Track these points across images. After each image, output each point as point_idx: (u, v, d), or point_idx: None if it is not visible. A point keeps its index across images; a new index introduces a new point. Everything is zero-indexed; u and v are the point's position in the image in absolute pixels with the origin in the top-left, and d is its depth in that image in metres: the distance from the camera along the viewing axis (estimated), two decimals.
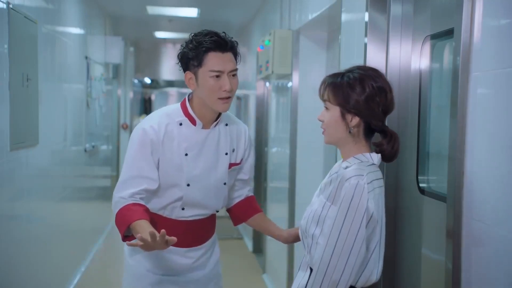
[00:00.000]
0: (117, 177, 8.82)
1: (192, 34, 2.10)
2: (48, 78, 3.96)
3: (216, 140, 2.19)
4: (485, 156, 1.59)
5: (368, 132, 1.77)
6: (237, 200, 2.38)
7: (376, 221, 1.69)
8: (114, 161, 8.50)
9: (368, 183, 1.66)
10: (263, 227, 2.36)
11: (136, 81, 10.46)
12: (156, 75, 10.29)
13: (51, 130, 4.07)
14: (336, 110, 1.75)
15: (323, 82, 1.81)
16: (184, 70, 2.12)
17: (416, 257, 2.25)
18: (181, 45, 2.13)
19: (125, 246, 2.22)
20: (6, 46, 2.95)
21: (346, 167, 1.73)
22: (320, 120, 1.82)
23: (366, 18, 2.39)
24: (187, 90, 2.24)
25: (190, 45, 2.06)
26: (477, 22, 1.64)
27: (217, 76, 2.04)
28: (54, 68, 4.19)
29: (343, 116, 1.74)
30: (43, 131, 3.69)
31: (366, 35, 2.38)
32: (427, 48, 2.20)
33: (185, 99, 2.19)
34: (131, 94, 9.24)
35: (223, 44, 2.05)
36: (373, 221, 1.68)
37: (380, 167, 2.36)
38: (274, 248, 4.84)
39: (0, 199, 2.97)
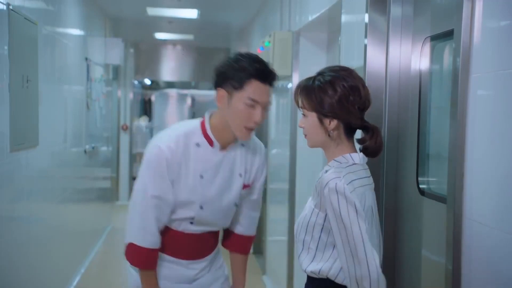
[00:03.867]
0: (117, 178, 8.88)
1: (237, 54, 2.04)
2: (48, 79, 3.96)
3: (232, 161, 2.14)
4: (485, 157, 1.59)
5: (349, 131, 1.77)
6: (239, 228, 2.32)
7: (362, 218, 1.68)
8: (114, 163, 8.49)
9: (347, 184, 1.65)
10: (233, 268, 2.37)
11: (136, 82, 10.45)
12: (156, 76, 10.28)
13: (51, 131, 4.07)
14: (313, 116, 1.75)
15: (296, 88, 1.81)
16: (217, 86, 2.04)
17: (416, 258, 2.24)
18: (226, 59, 2.04)
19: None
20: (6, 47, 2.95)
21: (326, 171, 1.73)
22: (300, 127, 1.82)
23: (366, 19, 2.39)
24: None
25: (235, 65, 1.99)
26: (477, 23, 1.64)
27: (252, 106, 1.98)
28: (54, 69, 4.20)
29: (320, 121, 1.74)
30: (43, 132, 3.69)
31: (366, 36, 2.38)
32: (427, 49, 2.20)
33: (204, 118, 2.12)
34: (131, 95, 9.23)
35: (267, 75, 2.00)
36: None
37: (380, 168, 2.37)
38: (274, 250, 4.85)
39: (0, 200, 2.97)
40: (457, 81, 1.67)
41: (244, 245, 2.36)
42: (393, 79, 2.34)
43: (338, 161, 1.76)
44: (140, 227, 2.06)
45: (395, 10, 2.35)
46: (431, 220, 2.15)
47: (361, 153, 1.78)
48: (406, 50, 2.33)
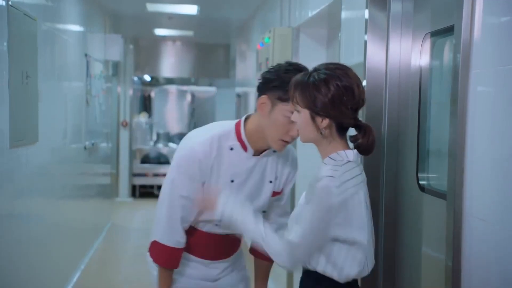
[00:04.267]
0: (116, 174, 8.87)
1: (287, 63, 1.99)
2: (48, 75, 3.96)
3: (263, 167, 2.11)
4: (485, 153, 1.59)
5: (341, 129, 1.76)
6: None
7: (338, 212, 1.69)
8: (114, 159, 8.49)
9: (338, 186, 1.65)
10: (256, 275, 2.35)
11: (135, 78, 10.44)
12: (156, 73, 10.27)
13: (51, 127, 4.07)
14: (305, 113, 1.74)
15: (291, 83, 1.80)
16: (261, 92, 1.99)
17: (416, 254, 2.25)
18: (276, 67, 2.00)
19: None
20: (5, 43, 2.95)
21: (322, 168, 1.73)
22: (293, 121, 1.82)
23: (366, 15, 2.39)
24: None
25: (284, 76, 1.92)
26: (478, 19, 1.63)
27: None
28: (53, 65, 4.19)
29: (313, 118, 1.73)
30: (43, 128, 3.68)
31: (366, 33, 2.38)
32: (427, 45, 2.20)
33: (240, 121, 2.10)
34: (130, 92, 9.22)
35: None
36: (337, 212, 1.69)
37: (380, 164, 2.37)
38: None
39: None
40: (457, 77, 1.67)
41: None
42: (393, 75, 2.34)
43: (333, 159, 1.74)
44: (166, 226, 2.05)
45: (395, 6, 2.34)
46: (431, 216, 2.15)
47: (355, 150, 1.77)
48: (406, 46, 2.33)
